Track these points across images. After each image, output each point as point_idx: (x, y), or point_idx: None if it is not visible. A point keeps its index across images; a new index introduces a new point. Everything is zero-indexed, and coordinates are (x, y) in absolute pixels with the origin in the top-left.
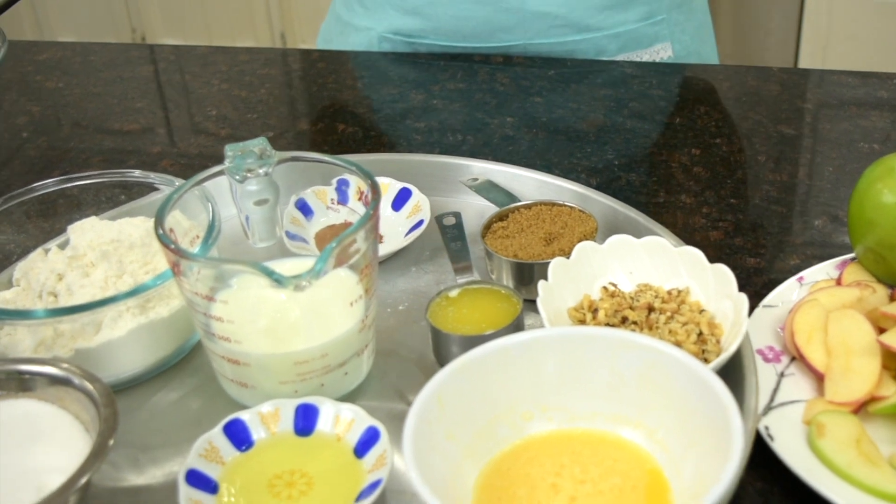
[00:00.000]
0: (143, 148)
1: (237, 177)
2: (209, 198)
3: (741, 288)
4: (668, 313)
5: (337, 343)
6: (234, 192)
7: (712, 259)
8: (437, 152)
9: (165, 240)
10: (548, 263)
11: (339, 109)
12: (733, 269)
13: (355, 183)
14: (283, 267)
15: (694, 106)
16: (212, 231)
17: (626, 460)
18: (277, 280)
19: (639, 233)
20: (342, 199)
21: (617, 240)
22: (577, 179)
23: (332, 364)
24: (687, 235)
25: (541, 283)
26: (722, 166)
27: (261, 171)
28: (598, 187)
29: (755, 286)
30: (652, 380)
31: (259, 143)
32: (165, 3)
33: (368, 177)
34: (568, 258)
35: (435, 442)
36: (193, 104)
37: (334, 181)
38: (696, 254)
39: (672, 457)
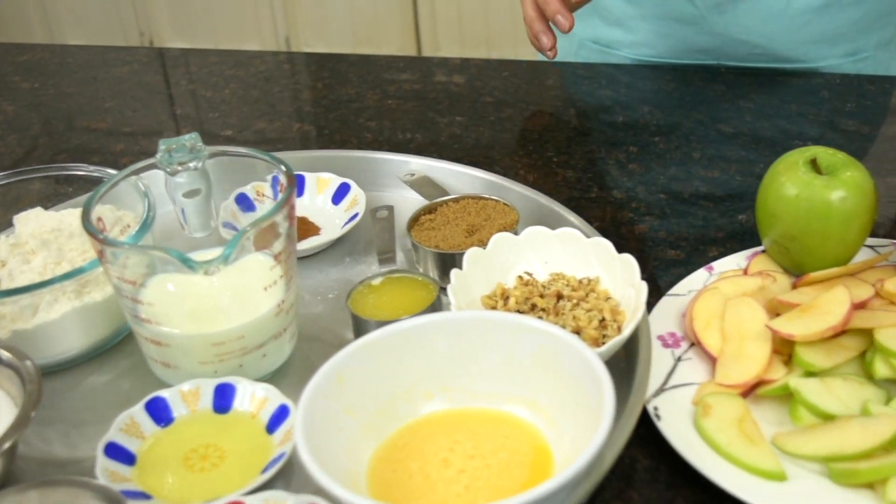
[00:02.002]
0: (107, 146)
1: (168, 169)
2: (146, 190)
3: (658, 278)
4: (575, 301)
5: (252, 326)
6: (167, 185)
7: (634, 251)
8: (386, 149)
9: (90, 228)
10: None
11: (299, 109)
12: (653, 260)
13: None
14: (215, 254)
15: (638, 106)
16: (146, 221)
17: (517, 437)
18: (189, 265)
19: (560, 225)
20: (275, 194)
21: (532, 231)
22: (514, 176)
23: (250, 346)
24: (613, 229)
25: (454, 272)
26: (656, 163)
27: (191, 164)
28: (534, 183)
29: (672, 277)
30: (544, 361)
31: (190, 138)
32: (173, 7)
33: (285, 167)
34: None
35: (332, 416)
36: (159, 104)
37: (269, 177)
38: (605, 244)
39: (559, 433)
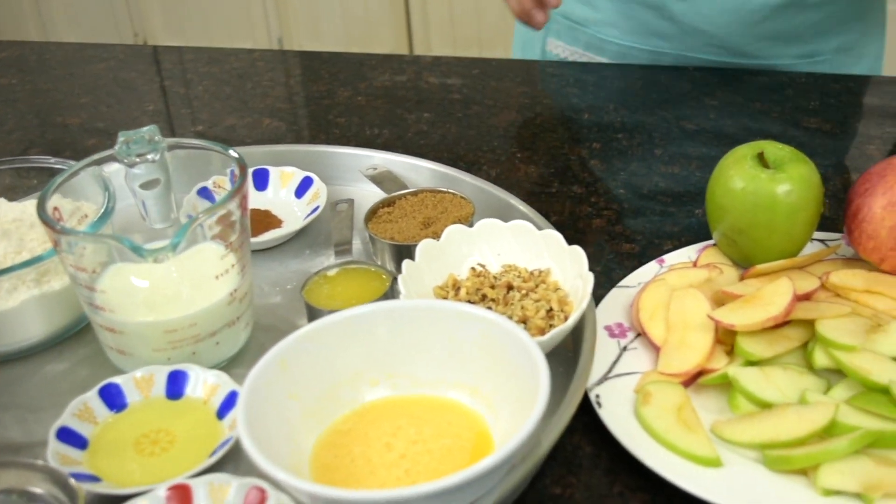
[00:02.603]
0: (79, 141)
1: (126, 161)
2: (107, 181)
3: (612, 271)
4: (525, 291)
5: (204, 314)
6: (126, 177)
7: (590, 245)
8: (353, 144)
9: (45, 217)
10: None
11: (269, 105)
12: (609, 253)
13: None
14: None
15: (604, 103)
16: (105, 211)
17: (459, 423)
18: (139, 253)
19: (516, 218)
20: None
21: (485, 223)
22: (477, 171)
23: (203, 334)
24: (571, 223)
25: (406, 263)
26: (618, 159)
27: (149, 156)
28: (496, 178)
29: (625, 270)
30: (486, 349)
31: (149, 130)
32: (167, 8)
33: (237, 159)
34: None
35: (275, 401)
36: (133, 100)
37: (228, 170)
38: (556, 236)
39: (500, 419)
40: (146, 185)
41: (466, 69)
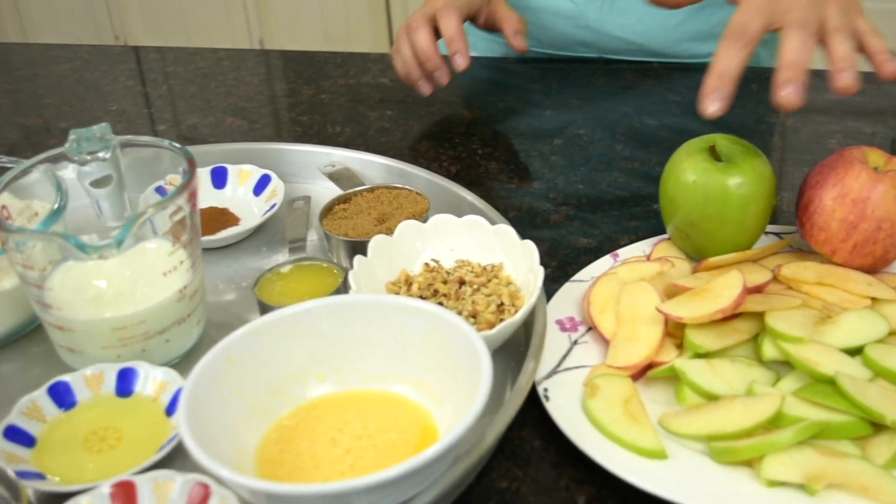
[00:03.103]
0: (41, 141)
1: (77, 159)
2: (59, 180)
3: (567, 266)
4: (476, 286)
5: (153, 311)
6: (78, 175)
7: (547, 240)
8: (315, 142)
9: None
10: None
11: (233, 104)
12: (565, 248)
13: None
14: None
15: (567, 99)
16: (56, 210)
17: (406, 417)
18: (84, 250)
19: (472, 213)
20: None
21: (439, 219)
22: (437, 168)
23: (152, 331)
24: (528, 218)
25: (357, 258)
26: (579, 155)
27: (100, 154)
28: (456, 175)
29: (581, 265)
30: (432, 343)
31: (100, 129)
32: (146, 8)
33: (185, 155)
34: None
35: (221, 396)
36: (97, 100)
37: (181, 168)
38: (508, 231)
39: (446, 413)
40: (98, 183)
41: None
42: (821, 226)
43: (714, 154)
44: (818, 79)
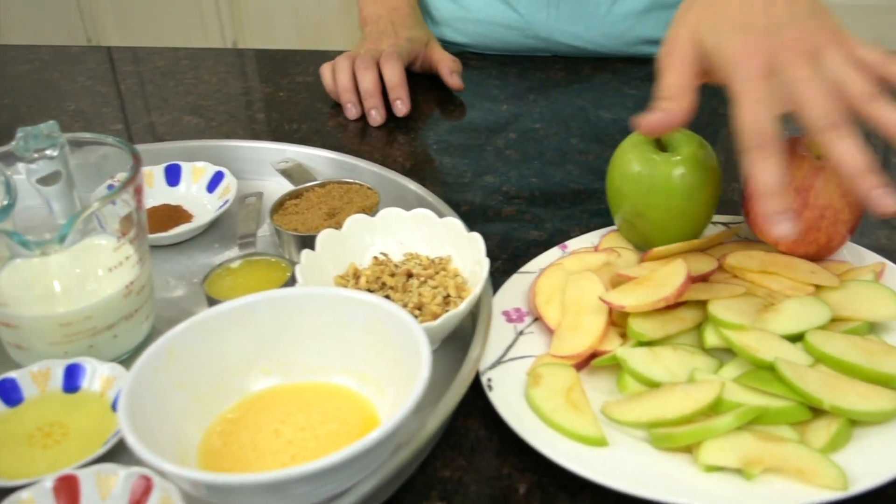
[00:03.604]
0: None
1: (24, 156)
2: (8, 178)
3: (517, 258)
4: (424, 279)
5: (99, 307)
6: (26, 173)
7: (498, 233)
8: (271, 139)
9: None
10: None
11: (190, 102)
12: (516, 241)
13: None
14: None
15: (524, 94)
16: (4, 207)
17: (349, 409)
18: (26, 246)
19: (423, 207)
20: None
21: (387, 212)
22: (392, 163)
23: (99, 326)
24: (481, 212)
25: (304, 252)
26: (534, 148)
27: (48, 152)
28: (410, 169)
29: (531, 257)
30: (374, 334)
31: (47, 126)
32: (119, 10)
33: (130, 150)
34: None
35: (163, 390)
36: (54, 100)
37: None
38: (456, 224)
39: (388, 403)
40: (46, 181)
41: None
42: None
43: (659, 145)
44: None
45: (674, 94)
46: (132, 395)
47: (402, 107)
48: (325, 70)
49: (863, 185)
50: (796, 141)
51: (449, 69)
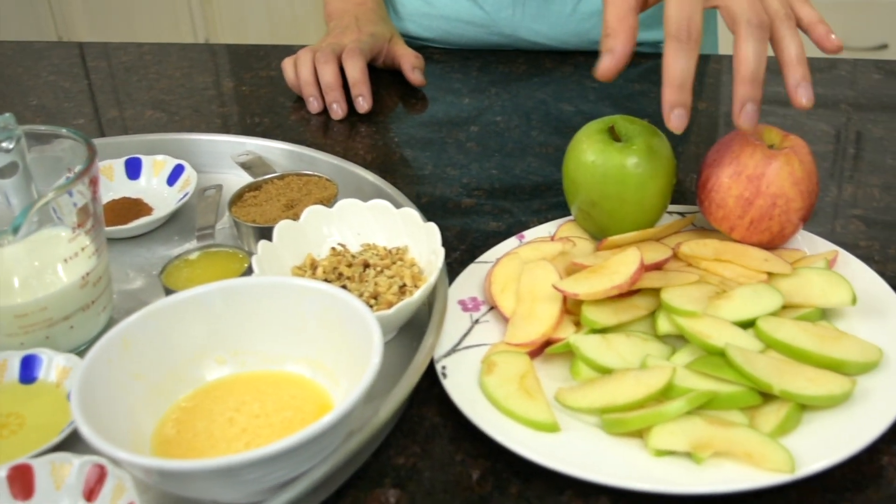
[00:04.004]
0: None
1: None
2: None
3: (475, 249)
4: (380, 269)
5: (55, 297)
6: None
7: (457, 224)
8: (233, 133)
9: None
10: None
11: (153, 97)
12: (476, 231)
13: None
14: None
15: (486, 87)
16: None
17: (303, 397)
18: None
19: (382, 198)
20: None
21: (344, 203)
22: (353, 156)
23: (55, 318)
24: (440, 203)
25: (262, 243)
26: (494, 141)
27: (3, 144)
28: (371, 162)
29: (489, 247)
30: (328, 322)
31: (3, 119)
32: (91, 8)
33: (85, 141)
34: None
35: (117, 380)
36: (17, 95)
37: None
38: (413, 214)
39: (342, 391)
40: (3, 173)
41: None
42: (718, 203)
43: (613, 134)
44: (730, 62)
45: (615, 28)
46: (85, 385)
47: (363, 103)
48: (287, 64)
49: (742, 90)
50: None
51: (411, 65)
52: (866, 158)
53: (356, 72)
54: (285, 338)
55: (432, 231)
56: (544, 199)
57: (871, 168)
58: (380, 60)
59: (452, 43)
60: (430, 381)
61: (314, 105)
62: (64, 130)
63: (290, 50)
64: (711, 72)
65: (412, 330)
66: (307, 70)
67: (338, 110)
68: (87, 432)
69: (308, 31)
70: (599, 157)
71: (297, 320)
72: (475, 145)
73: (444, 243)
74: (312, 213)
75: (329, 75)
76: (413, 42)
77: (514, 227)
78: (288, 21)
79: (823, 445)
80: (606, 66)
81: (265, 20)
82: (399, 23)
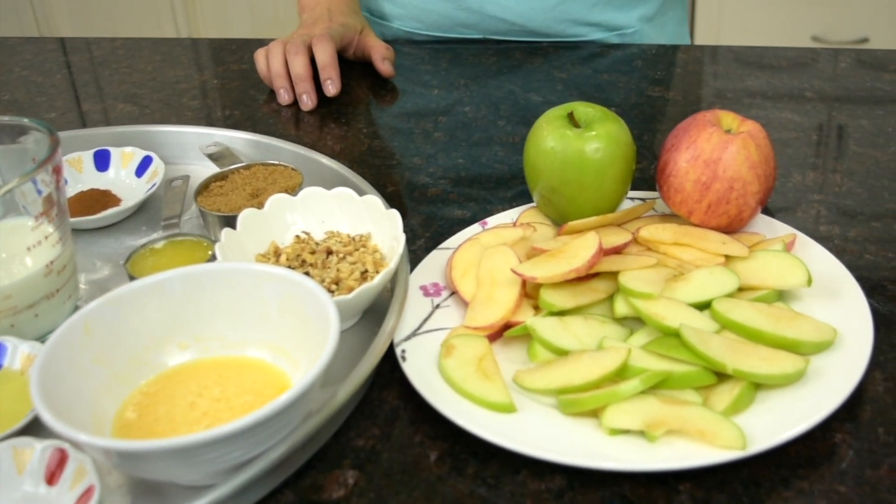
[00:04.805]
0: None
1: None
2: None
3: (441, 237)
4: (343, 255)
5: (18, 286)
6: None
7: (423, 212)
8: (204, 125)
9: None
10: None
11: (126, 91)
12: (441, 219)
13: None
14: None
15: (455, 79)
16: None
17: (264, 381)
18: None
19: (347, 186)
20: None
21: (309, 192)
22: (321, 146)
23: (20, 306)
24: (407, 192)
25: (225, 231)
26: (461, 131)
27: None
28: (340, 153)
29: (454, 234)
30: (288, 307)
31: None
32: (72, 4)
33: (47, 130)
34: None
35: (79, 365)
36: None
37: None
38: (375, 201)
39: (301, 374)
40: None
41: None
42: (676, 188)
43: (573, 121)
44: (699, 52)
45: None
46: (46, 370)
47: (331, 87)
48: (259, 55)
49: None
50: (707, 115)
51: (381, 56)
52: (832, 146)
53: (325, 56)
54: (246, 323)
55: (394, 218)
56: (510, 187)
57: (837, 155)
58: (350, 51)
59: (419, 19)
60: (392, 366)
61: (284, 97)
62: (26, 121)
63: (262, 44)
64: (679, 61)
65: (375, 316)
66: (278, 62)
67: (307, 101)
68: (46, 415)
69: (290, 27)
70: (559, 144)
71: (258, 306)
72: (443, 135)
73: (410, 231)
74: (276, 201)
75: (299, 66)
76: (383, 24)
77: (480, 215)
78: (270, 17)
79: (776, 423)
80: None
81: (247, 16)
82: (375, 2)
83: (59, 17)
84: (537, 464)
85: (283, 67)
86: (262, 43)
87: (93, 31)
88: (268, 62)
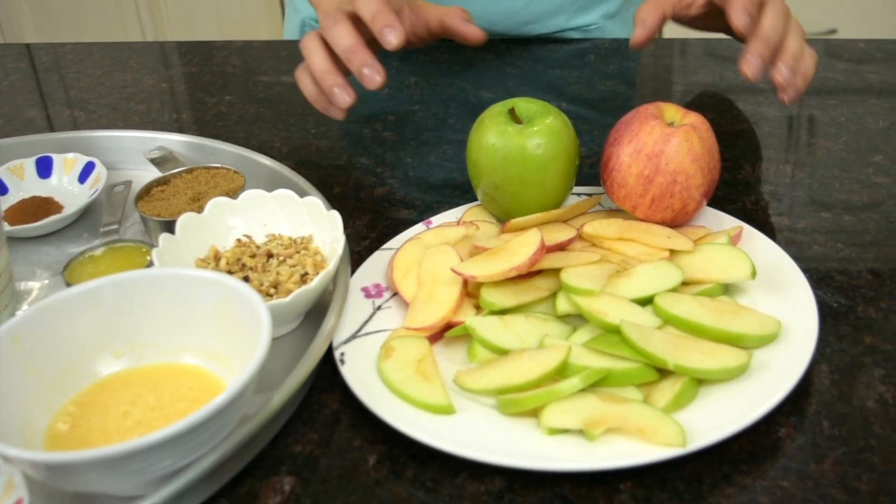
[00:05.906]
0: None
1: None
2: None
3: (386, 237)
4: (283, 258)
5: None
6: None
7: (369, 212)
8: (150, 129)
9: None
10: None
11: (73, 96)
12: (387, 220)
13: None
14: None
15: (405, 77)
16: None
17: (199, 388)
18: None
19: (299, 191)
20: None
21: (249, 194)
22: (269, 148)
23: None
24: (353, 192)
25: (163, 236)
26: (410, 130)
27: None
28: (287, 155)
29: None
30: (223, 312)
31: None
32: (36, 9)
33: None
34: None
35: (9, 375)
36: None
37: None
38: (316, 203)
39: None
40: None
41: (275, 52)
42: (620, 182)
43: (514, 117)
44: (655, 45)
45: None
46: None
47: (392, 36)
48: (301, 75)
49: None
50: (650, 108)
51: (461, 18)
52: (783, 136)
53: (372, 6)
54: (181, 329)
55: (335, 219)
56: (458, 186)
57: (788, 146)
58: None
59: None
60: (332, 369)
61: (341, 98)
62: None
63: (212, 46)
64: (632, 55)
65: (317, 319)
66: (319, 56)
67: (373, 75)
68: None
69: (258, 29)
70: (500, 140)
71: (192, 311)
72: (391, 135)
73: (355, 232)
74: (216, 205)
75: (345, 37)
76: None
77: (426, 214)
78: (236, 19)
79: (718, 418)
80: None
81: (214, 18)
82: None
83: (24, 23)
84: (477, 466)
85: (327, 60)
86: (212, 45)
87: (58, 36)
88: (309, 66)
